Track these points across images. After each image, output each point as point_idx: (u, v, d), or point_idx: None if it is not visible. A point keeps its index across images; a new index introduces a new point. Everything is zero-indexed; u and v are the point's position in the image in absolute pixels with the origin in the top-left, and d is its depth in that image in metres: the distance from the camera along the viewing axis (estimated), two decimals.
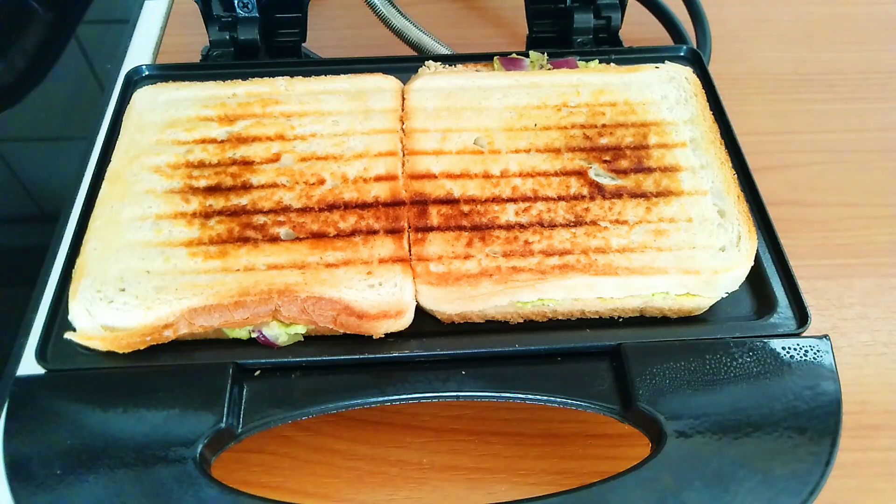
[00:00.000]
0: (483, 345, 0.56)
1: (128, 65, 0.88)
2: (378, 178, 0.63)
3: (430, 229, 0.59)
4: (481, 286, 0.56)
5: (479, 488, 0.58)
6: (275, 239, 0.59)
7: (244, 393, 0.53)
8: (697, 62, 0.74)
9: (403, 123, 0.68)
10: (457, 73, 0.73)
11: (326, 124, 0.67)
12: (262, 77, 0.72)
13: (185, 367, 0.54)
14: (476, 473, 0.58)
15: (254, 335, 0.56)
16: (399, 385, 0.54)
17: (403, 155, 0.65)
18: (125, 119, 0.69)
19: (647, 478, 0.48)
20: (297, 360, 0.55)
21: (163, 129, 0.67)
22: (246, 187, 0.62)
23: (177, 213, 0.61)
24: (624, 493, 0.48)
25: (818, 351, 0.54)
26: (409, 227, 0.60)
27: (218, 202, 0.61)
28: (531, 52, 0.75)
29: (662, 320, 0.58)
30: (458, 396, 0.54)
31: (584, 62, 0.74)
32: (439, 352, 0.55)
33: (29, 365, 0.55)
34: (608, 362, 0.55)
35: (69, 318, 0.55)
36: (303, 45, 0.84)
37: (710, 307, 0.58)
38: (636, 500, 0.48)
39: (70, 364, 0.54)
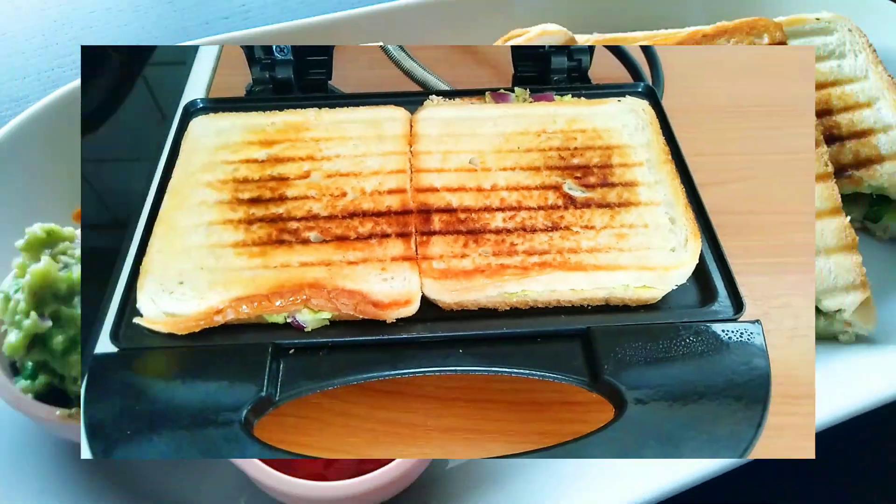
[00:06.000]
0: (477, 328, 0.56)
1: (185, 99, 0.88)
2: (390, 192, 0.63)
3: (433, 233, 0.59)
4: (475, 280, 0.56)
5: (476, 445, 0.58)
6: (306, 241, 0.59)
7: (281, 367, 0.53)
8: (652, 96, 0.74)
9: (411, 147, 0.68)
10: (455, 105, 0.73)
11: (348, 147, 0.67)
12: (295, 108, 0.72)
13: (233, 346, 0.54)
14: (473, 434, 0.59)
15: (288, 320, 0.56)
16: (408, 361, 0.54)
17: (411, 172, 0.65)
18: (183, 143, 0.69)
19: (612, 437, 0.48)
20: (324, 340, 0.55)
21: (214, 151, 0.67)
22: (282, 199, 0.62)
23: (225, 220, 0.61)
24: (593, 449, 0.48)
25: (751, 333, 0.53)
26: (416, 232, 0.60)
27: (259, 211, 0.61)
28: (516, 88, 0.75)
29: (624, 308, 0.58)
30: (456, 370, 0.54)
31: (559, 96, 0.74)
32: (441, 334, 0.55)
33: (104, 345, 0.55)
34: (579, 342, 0.54)
35: (137, 306, 0.55)
36: (329, 82, 0.84)
37: (663, 297, 0.58)
38: (603, 455, 0.48)
39: (138, 344, 0.54)
